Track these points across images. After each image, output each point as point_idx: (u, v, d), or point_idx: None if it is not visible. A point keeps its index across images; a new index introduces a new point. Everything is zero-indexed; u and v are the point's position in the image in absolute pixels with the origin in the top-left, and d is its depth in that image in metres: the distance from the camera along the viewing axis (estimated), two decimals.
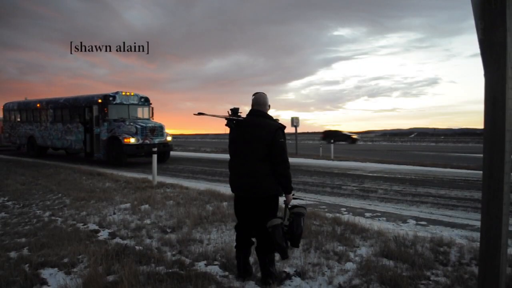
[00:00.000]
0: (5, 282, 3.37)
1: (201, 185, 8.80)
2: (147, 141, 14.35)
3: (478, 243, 2.51)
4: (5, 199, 7.78)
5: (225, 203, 6.41)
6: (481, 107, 2.28)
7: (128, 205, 6.63)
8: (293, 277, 3.38)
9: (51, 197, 7.75)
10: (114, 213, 6.10)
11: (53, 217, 5.96)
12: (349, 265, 3.67)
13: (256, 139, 3.17)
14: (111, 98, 14.90)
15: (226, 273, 3.53)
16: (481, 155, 2.33)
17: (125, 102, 15.35)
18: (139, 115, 15.82)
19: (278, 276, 3.34)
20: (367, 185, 9.26)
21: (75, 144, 16.24)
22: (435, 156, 19.64)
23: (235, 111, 3.32)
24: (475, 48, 2.33)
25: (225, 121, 3.28)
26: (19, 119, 20.09)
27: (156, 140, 14.67)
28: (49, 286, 3.36)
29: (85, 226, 5.34)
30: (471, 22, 2.36)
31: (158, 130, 15.03)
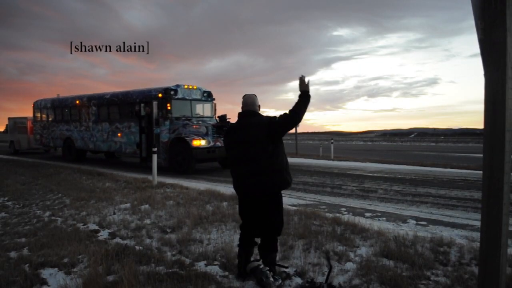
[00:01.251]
0: (5, 282, 3.37)
1: (201, 185, 8.80)
2: (218, 144, 11.61)
3: (478, 243, 2.51)
4: (5, 199, 7.79)
5: (225, 203, 6.41)
6: (481, 107, 2.28)
7: (128, 205, 6.63)
8: (293, 277, 3.38)
9: (51, 197, 7.76)
10: (114, 213, 6.10)
11: (53, 217, 5.97)
12: (349, 265, 3.67)
13: (255, 136, 3.18)
14: (172, 92, 12.45)
15: (226, 273, 3.53)
16: (481, 155, 2.33)
17: (187, 97, 12.91)
18: (200, 112, 13.43)
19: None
20: (367, 185, 9.26)
21: (126, 147, 13.61)
22: (435, 156, 19.64)
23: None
24: (475, 48, 2.32)
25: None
26: (52, 119, 17.26)
27: None
28: (49, 286, 3.36)
29: (85, 226, 5.34)
30: (471, 22, 2.36)
31: None
